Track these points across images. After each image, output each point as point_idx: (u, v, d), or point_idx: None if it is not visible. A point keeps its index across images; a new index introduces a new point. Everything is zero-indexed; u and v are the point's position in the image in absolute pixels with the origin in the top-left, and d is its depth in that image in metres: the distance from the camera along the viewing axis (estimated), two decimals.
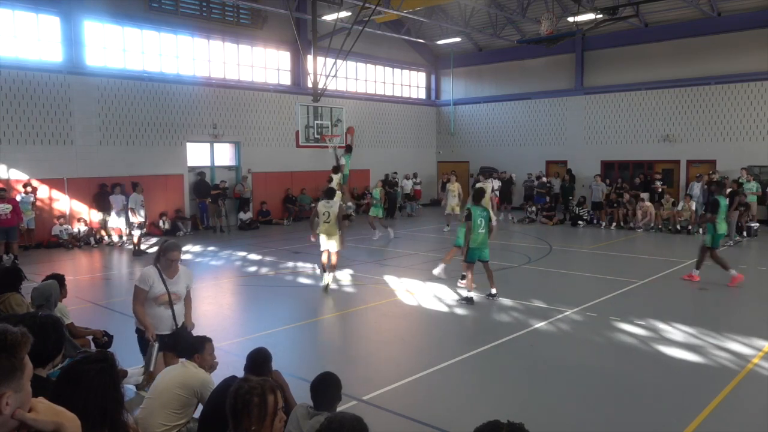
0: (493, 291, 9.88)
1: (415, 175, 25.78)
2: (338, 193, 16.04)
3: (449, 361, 6.98)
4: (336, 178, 15.92)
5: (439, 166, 29.17)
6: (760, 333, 7.90)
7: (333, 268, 11.06)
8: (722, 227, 11.13)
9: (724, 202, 11.32)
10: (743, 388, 6.17)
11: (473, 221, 9.52)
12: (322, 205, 10.91)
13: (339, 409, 3.91)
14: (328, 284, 10.79)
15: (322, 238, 10.91)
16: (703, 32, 21.23)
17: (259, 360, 4.22)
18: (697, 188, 18.96)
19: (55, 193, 16.83)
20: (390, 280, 11.63)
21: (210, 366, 4.52)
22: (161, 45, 19.48)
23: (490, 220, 9.86)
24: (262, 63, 22.44)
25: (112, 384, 2.33)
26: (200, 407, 4.30)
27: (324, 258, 11.06)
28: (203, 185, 19.65)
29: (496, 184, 23.17)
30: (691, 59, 21.67)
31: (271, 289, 11.16)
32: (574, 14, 18.53)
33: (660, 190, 20.26)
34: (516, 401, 5.95)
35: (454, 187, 18.13)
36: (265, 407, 2.58)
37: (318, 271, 11.91)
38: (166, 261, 5.38)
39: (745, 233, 17.09)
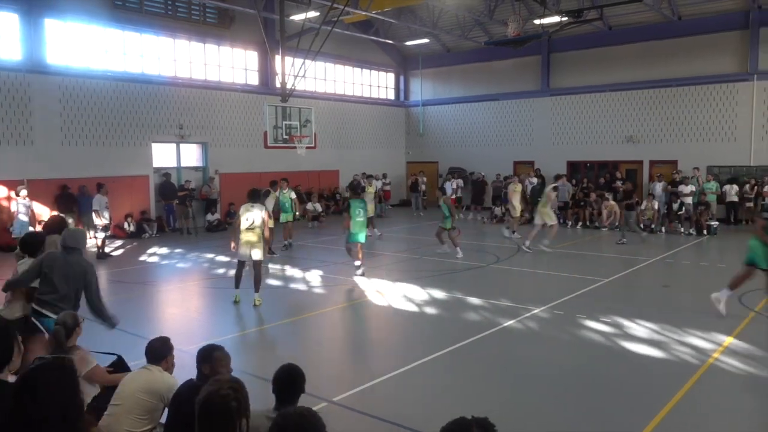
0: (357, 263, 11.69)
1: (384, 176, 25.80)
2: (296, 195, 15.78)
3: (419, 361, 7.00)
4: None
5: (408, 166, 29.26)
6: (720, 328, 8.12)
7: (258, 283, 9.77)
8: None
9: None
10: (704, 382, 6.34)
11: (352, 211, 11.58)
12: (245, 209, 9.69)
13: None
14: (239, 298, 9.79)
15: (243, 246, 9.67)
16: (665, 36, 21.77)
17: (209, 352, 3.92)
18: (658, 188, 19.42)
19: (15, 195, 16.32)
20: (360, 280, 11.61)
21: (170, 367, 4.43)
22: (125, 44, 19.09)
23: (366, 209, 12.14)
24: (229, 63, 22.18)
25: (72, 390, 2.26)
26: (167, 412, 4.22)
27: (240, 272, 9.83)
28: (169, 187, 19.33)
29: (453, 184, 23.32)
30: (653, 62, 22.19)
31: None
32: (540, 17, 18.81)
33: (621, 189, 20.68)
34: (485, 399, 5.99)
35: (518, 188, 16.81)
36: (241, 410, 2.52)
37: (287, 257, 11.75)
38: None
39: (705, 231, 17.57)
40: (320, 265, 13.23)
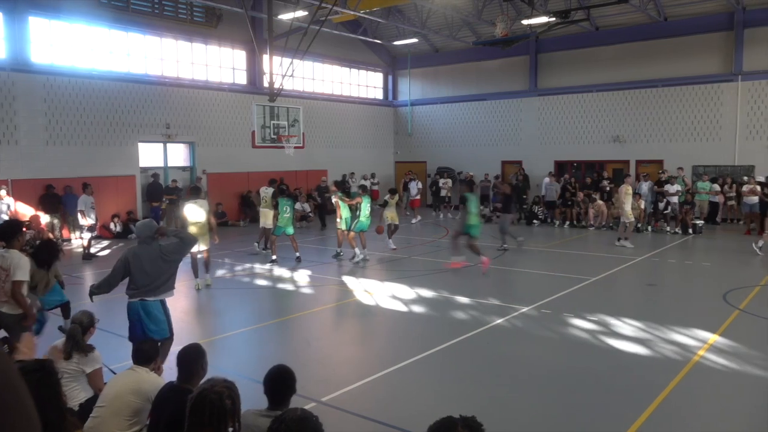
0: (296, 254, 13.53)
1: (373, 176, 25.78)
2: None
3: (408, 361, 7.01)
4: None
5: (397, 166, 29.26)
6: (705, 326, 8.20)
7: (207, 267, 11.15)
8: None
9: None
10: (690, 379, 6.40)
11: (280, 208, 13.14)
12: (191, 205, 10.72)
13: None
14: (200, 286, 10.87)
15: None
16: (651, 36, 21.95)
17: (192, 356, 3.89)
18: (645, 187, 19.56)
19: None
20: (348, 280, 11.60)
21: (156, 369, 4.40)
22: (111, 42, 18.93)
23: (294, 207, 13.78)
24: (216, 62, 22.06)
25: (53, 393, 2.23)
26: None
27: (195, 262, 10.98)
28: (157, 188, 19.15)
29: (418, 185, 23.26)
30: (639, 62, 22.36)
31: (228, 291, 10.98)
32: (528, 17, 18.90)
33: (608, 189, 20.84)
34: (472, 398, 6.01)
35: (629, 190, 15.42)
36: (233, 411, 2.52)
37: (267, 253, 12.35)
38: None
39: (690, 230, 17.72)
40: (308, 265, 13.19)
